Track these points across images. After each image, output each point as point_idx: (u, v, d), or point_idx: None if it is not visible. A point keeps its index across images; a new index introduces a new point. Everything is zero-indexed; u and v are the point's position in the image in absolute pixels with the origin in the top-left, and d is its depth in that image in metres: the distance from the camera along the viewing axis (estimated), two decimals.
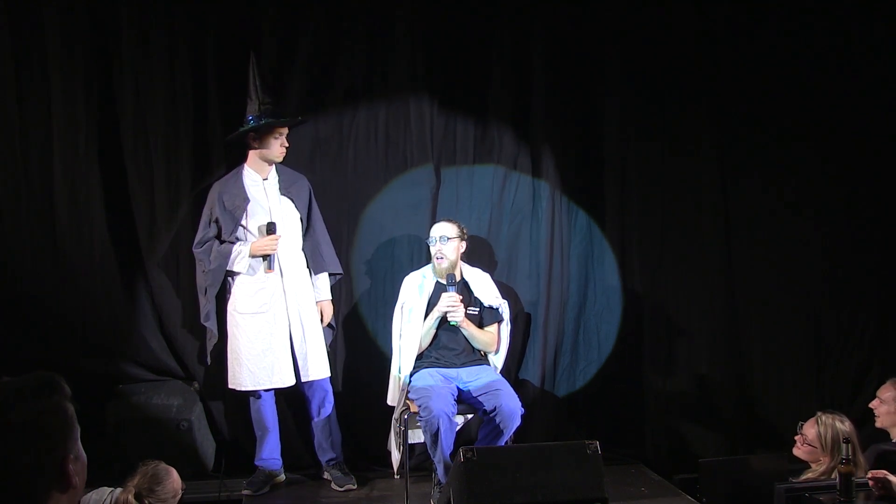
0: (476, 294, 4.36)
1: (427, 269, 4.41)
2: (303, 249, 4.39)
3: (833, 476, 3.43)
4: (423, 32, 4.74)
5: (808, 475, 3.58)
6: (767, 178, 5.03)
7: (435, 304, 4.25)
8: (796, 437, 3.69)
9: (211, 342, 4.34)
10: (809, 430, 3.62)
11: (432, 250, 4.29)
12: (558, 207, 4.87)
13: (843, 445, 3.15)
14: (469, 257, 4.53)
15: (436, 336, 4.29)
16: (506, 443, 4.01)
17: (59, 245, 4.46)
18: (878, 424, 3.93)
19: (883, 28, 4.96)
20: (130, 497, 2.99)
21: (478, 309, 4.36)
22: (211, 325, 4.30)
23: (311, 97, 4.67)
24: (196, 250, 4.28)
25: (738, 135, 5.00)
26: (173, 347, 4.60)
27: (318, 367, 4.31)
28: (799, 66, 4.96)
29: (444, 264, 4.26)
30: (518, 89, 4.86)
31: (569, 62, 4.88)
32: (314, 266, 4.40)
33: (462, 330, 4.27)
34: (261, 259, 4.20)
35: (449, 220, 4.36)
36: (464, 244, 4.36)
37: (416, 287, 4.33)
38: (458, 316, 4.19)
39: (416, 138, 4.75)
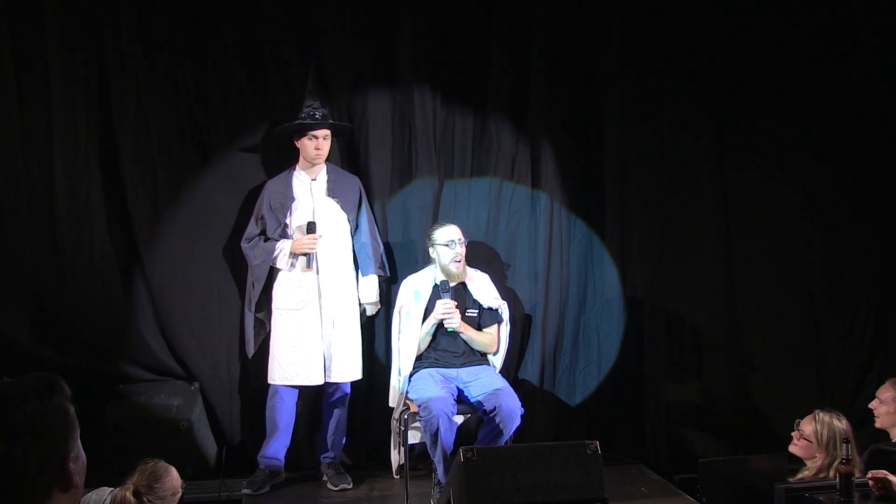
0: (475, 296, 4.36)
1: (425, 272, 4.41)
2: (353, 250, 4.44)
3: (831, 474, 3.46)
4: (425, 25, 4.73)
5: (805, 473, 3.60)
6: (768, 177, 5.03)
7: (433, 307, 4.25)
8: (792, 434, 3.71)
9: (254, 335, 4.41)
10: (806, 426, 3.66)
11: (450, 254, 4.26)
12: (557, 205, 4.87)
13: (844, 445, 3.16)
14: (468, 258, 4.52)
15: (435, 338, 4.29)
16: (506, 443, 4.00)
17: (59, 245, 4.45)
18: (877, 425, 3.94)
19: (884, 18, 4.94)
20: (129, 494, 2.98)
21: (477, 310, 4.35)
22: (261, 315, 4.40)
23: (315, 94, 4.66)
24: (243, 245, 4.40)
25: (739, 131, 5.00)
26: (173, 348, 4.60)
27: (344, 370, 4.34)
28: (800, 60, 4.96)
29: (461, 267, 4.28)
30: (517, 82, 4.85)
31: (568, 54, 4.88)
32: (361, 267, 4.45)
33: (460, 334, 4.27)
34: (301, 257, 4.27)
35: (451, 223, 4.40)
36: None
37: (413, 290, 4.34)
38: (454, 322, 4.20)
39: (420, 137, 4.74)
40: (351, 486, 4.34)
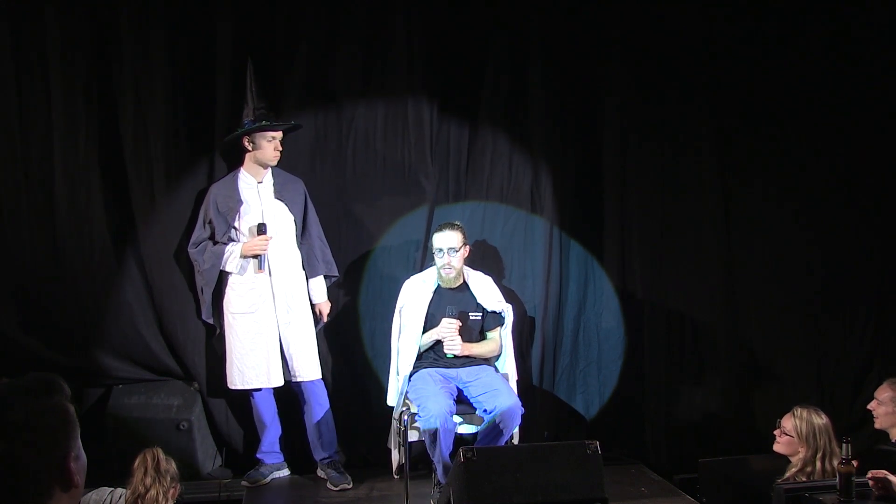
0: (479, 299, 4.34)
1: (427, 274, 4.40)
2: (300, 251, 4.42)
3: (818, 466, 3.53)
4: (421, 34, 4.73)
5: (792, 470, 3.61)
6: (767, 179, 5.03)
7: (434, 309, 4.24)
8: (775, 432, 3.74)
9: (215, 336, 4.45)
10: (787, 422, 3.70)
11: (439, 261, 4.27)
12: (557, 206, 4.87)
13: (844, 445, 3.16)
14: (471, 260, 4.52)
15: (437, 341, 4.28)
16: (506, 442, 4.00)
17: (59, 245, 4.45)
18: (877, 425, 3.94)
19: (883, 26, 4.96)
20: (158, 451, 3.11)
21: (480, 314, 4.34)
22: (210, 320, 4.41)
23: (311, 98, 4.67)
24: (191, 250, 4.36)
25: (738, 135, 5.01)
26: (173, 347, 4.60)
27: (304, 369, 4.33)
28: (799, 66, 4.97)
29: (452, 274, 4.27)
30: (516, 91, 4.85)
31: (567, 63, 4.88)
32: (309, 269, 4.44)
33: None
34: (252, 259, 4.26)
35: (452, 228, 4.30)
36: (467, 248, 4.35)
37: (415, 291, 4.33)
38: (455, 348, 4.17)
39: (414, 139, 4.74)
40: (351, 485, 4.35)
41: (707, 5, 4.92)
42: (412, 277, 4.44)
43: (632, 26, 4.89)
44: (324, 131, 4.70)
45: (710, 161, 4.99)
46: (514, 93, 4.85)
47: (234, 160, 4.48)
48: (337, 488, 4.32)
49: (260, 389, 4.34)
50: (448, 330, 4.16)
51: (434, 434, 3.82)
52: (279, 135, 4.34)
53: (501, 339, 4.38)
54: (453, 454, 3.72)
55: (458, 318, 4.19)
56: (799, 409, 3.68)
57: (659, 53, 4.91)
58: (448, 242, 4.24)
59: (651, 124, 4.96)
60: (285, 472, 4.51)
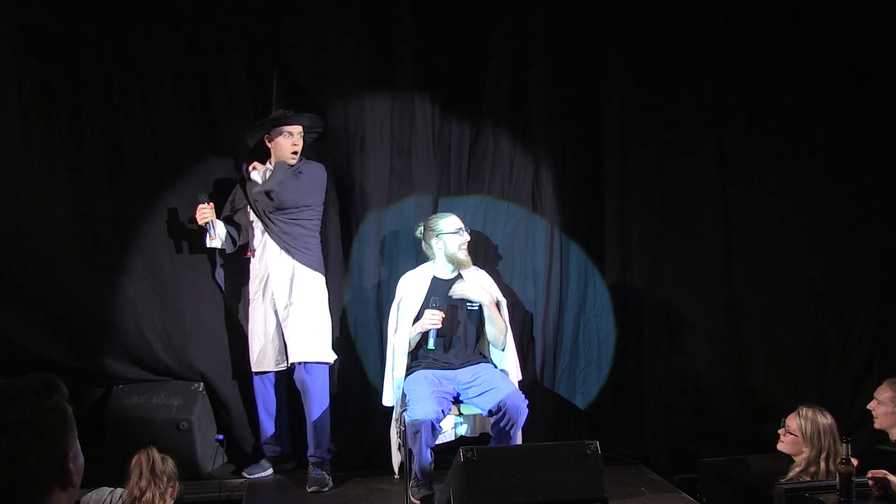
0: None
1: (423, 269, 4.40)
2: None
3: (822, 466, 3.52)
4: (425, 32, 4.73)
5: (796, 470, 3.61)
6: (767, 179, 5.03)
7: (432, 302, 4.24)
8: (779, 431, 3.74)
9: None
10: (791, 421, 3.70)
11: (459, 240, 4.27)
12: (557, 205, 4.87)
13: (844, 445, 3.16)
14: (472, 258, 4.51)
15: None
16: (520, 434, 3.99)
17: (61, 245, 4.46)
18: (876, 426, 3.94)
19: (884, 28, 4.96)
20: (153, 452, 3.10)
21: (477, 305, 4.34)
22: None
23: (315, 95, 4.67)
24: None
25: (738, 136, 5.01)
26: (173, 347, 4.59)
27: (294, 352, 4.33)
28: (800, 68, 4.97)
29: (468, 254, 4.31)
30: (517, 91, 4.85)
31: (568, 64, 4.89)
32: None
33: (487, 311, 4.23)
34: (256, 243, 4.39)
35: (449, 214, 4.40)
36: None
37: (411, 286, 4.33)
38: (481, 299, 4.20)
39: (417, 138, 4.74)
40: (324, 489, 4.26)
41: (708, 6, 4.93)
42: (408, 273, 4.43)
43: (633, 27, 4.89)
44: (332, 127, 4.69)
45: (711, 162, 4.99)
46: (515, 93, 4.85)
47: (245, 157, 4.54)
48: (309, 490, 4.25)
49: (263, 374, 4.39)
50: (431, 321, 4.16)
51: (417, 431, 3.81)
52: (296, 129, 4.37)
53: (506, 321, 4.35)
54: (448, 452, 3.70)
55: (441, 310, 4.18)
56: (804, 409, 3.67)
57: (660, 54, 4.91)
58: (461, 222, 4.32)
59: (652, 125, 4.96)
60: (281, 467, 4.51)
